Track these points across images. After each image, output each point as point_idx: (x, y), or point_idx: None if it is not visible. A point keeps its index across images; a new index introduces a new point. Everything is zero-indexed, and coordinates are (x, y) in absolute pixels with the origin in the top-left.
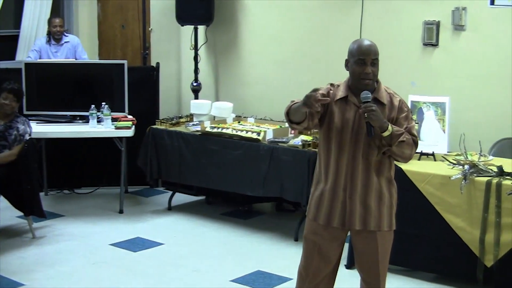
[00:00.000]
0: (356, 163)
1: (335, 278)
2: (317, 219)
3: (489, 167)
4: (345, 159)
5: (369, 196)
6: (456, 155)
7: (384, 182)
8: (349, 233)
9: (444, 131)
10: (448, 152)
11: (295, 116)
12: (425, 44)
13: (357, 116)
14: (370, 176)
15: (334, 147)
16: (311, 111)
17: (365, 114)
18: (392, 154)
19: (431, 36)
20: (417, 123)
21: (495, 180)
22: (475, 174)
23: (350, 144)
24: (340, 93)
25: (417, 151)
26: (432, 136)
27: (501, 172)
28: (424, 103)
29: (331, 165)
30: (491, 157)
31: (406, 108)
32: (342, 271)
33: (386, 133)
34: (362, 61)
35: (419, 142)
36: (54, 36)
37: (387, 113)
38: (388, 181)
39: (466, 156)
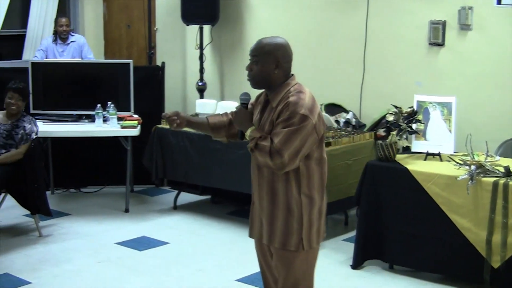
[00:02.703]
0: (261, 173)
1: None
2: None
3: (496, 167)
4: (255, 168)
5: (276, 210)
6: (462, 155)
7: (298, 197)
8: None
9: (450, 131)
10: (454, 152)
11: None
12: (431, 44)
13: (258, 117)
14: (276, 189)
15: None
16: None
17: None
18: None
19: (437, 35)
20: (423, 123)
21: (502, 181)
22: (481, 175)
23: None
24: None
25: (422, 151)
26: (438, 136)
27: (508, 173)
28: (430, 103)
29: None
30: (498, 158)
31: (289, 112)
32: (347, 270)
33: (246, 137)
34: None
35: (426, 142)
36: (60, 35)
37: (270, 116)
38: (306, 196)
39: (473, 156)
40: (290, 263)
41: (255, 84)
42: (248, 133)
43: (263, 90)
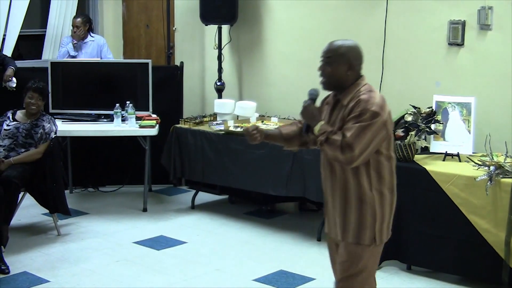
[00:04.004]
0: (333, 171)
1: None
2: None
3: None
4: (326, 166)
5: (349, 206)
6: (481, 156)
7: (370, 193)
8: None
9: (469, 131)
10: (473, 153)
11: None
12: (450, 44)
13: (327, 117)
14: (349, 185)
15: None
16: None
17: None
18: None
19: (456, 35)
20: (442, 123)
21: None
22: (500, 175)
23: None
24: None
25: (441, 151)
26: (457, 136)
27: None
28: (449, 103)
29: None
30: None
31: (361, 109)
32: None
33: (315, 131)
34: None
35: (445, 143)
36: (73, 35)
37: (341, 113)
38: (377, 192)
39: (492, 157)
40: (360, 256)
41: (328, 86)
42: (318, 127)
43: (329, 93)
